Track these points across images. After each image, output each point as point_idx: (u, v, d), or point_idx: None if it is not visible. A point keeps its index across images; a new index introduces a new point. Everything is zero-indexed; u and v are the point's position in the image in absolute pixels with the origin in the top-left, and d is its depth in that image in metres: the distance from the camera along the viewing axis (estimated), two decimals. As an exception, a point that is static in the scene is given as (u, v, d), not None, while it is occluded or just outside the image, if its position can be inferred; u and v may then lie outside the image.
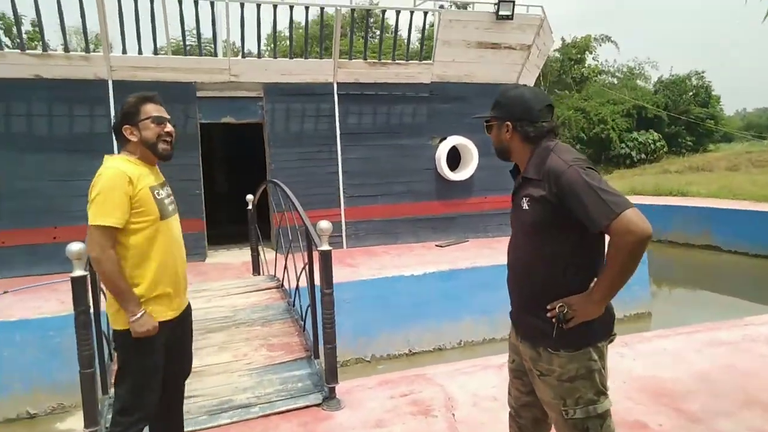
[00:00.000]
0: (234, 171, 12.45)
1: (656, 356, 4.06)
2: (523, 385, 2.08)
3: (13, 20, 6.85)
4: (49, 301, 5.96)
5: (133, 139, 2.29)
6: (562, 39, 33.37)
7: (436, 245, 8.96)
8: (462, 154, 9.50)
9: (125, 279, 2.19)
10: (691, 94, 31.19)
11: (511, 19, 8.92)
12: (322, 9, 8.02)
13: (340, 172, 8.77)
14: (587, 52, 33.64)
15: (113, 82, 7.52)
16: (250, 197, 6.75)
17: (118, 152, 2.36)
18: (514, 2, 8.79)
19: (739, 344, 4.24)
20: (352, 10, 8.11)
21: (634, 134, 27.96)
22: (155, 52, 7.72)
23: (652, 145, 27.58)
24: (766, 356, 4.01)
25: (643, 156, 27.47)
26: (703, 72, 32.19)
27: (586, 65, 33.87)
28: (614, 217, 1.64)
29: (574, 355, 1.84)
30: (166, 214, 2.31)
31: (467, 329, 7.26)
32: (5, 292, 6.40)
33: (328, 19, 8.46)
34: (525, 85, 2.09)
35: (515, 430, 2.18)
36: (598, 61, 35.42)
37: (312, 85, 8.44)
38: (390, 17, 9.13)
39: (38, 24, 6.98)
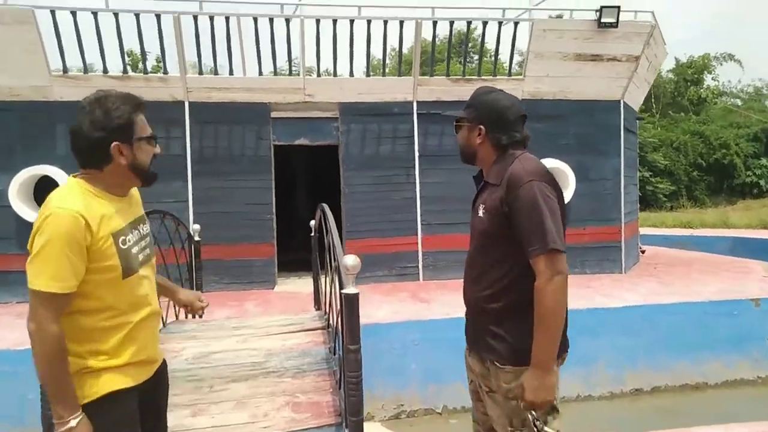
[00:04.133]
0: (316, 196, 12.19)
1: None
2: (485, 406, 2.01)
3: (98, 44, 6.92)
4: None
5: (122, 161, 1.69)
6: (676, 59, 30.88)
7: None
8: (556, 179, 8.48)
9: (66, 368, 1.57)
10: (833, 115, 27.42)
11: (616, 26, 7.90)
12: (401, 23, 7.49)
13: (418, 197, 8.11)
14: (706, 72, 30.80)
15: (189, 103, 7.43)
16: (313, 223, 6.25)
17: (73, 176, 1.74)
18: (619, 8, 7.78)
19: None
20: (434, 23, 7.47)
21: (763, 160, 24.89)
22: (230, 73, 7.55)
23: (784, 174, 24.40)
24: None
25: (772, 185, 24.35)
26: None
27: (704, 86, 31.00)
28: (545, 252, 1.67)
29: (522, 371, 1.77)
30: (131, 268, 1.71)
31: (557, 382, 6.21)
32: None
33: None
34: (501, 91, 2.00)
35: None
36: (718, 81, 32.34)
37: (390, 105, 7.90)
38: (477, 28, 8.48)
39: (120, 47, 7.04)
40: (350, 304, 2.52)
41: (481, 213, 1.90)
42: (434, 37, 7.74)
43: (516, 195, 1.73)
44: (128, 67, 7.49)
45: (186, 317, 5.39)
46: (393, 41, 7.75)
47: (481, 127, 1.93)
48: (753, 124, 26.42)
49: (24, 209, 7.03)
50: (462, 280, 2.07)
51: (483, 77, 8.27)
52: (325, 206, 4.16)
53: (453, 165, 8.16)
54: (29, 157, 7.06)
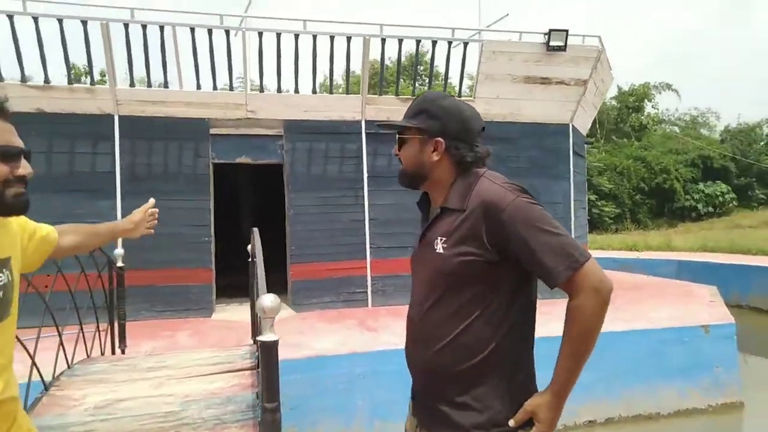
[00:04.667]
0: (262, 217, 11.67)
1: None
2: None
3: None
4: None
5: None
6: (618, 87, 32.08)
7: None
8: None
9: None
10: (763, 143, 28.99)
11: (564, 50, 7.89)
12: (348, 38, 7.23)
13: (366, 219, 7.76)
14: (646, 100, 32.12)
15: (119, 117, 6.88)
16: (249, 247, 5.80)
17: None
18: (567, 31, 7.78)
19: None
20: (383, 40, 7.23)
21: (700, 185, 26.00)
22: (165, 85, 7.06)
23: (720, 198, 25.55)
24: None
25: (710, 209, 25.46)
26: (775, 120, 30.05)
27: (645, 114, 32.31)
28: (578, 267, 1.33)
29: None
30: None
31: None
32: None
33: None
34: (455, 97, 1.62)
35: None
36: (657, 109, 33.81)
37: (337, 123, 7.58)
38: (428, 50, 8.31)
39: (41, 55, 6.45)
40: (267, 353, 2.09)
41: (439, 248, 1.47)
42: (383, 54, 7.50)
43: (505, 219, 1.37)
44: (70, 77, 6.86)
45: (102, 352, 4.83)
46: (341, 58, 7.47)
47: (440, 140, 1.52)
48: (690, 150, 27.62)
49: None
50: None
51: (433, 97, 8.08)
52: (255, 230, 3.75)
53: (402, 186, 7.91)
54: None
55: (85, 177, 6.86)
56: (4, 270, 1.35)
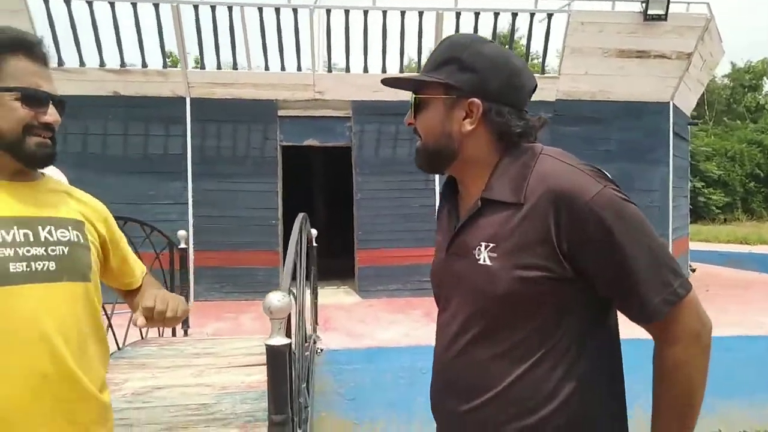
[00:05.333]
0: (335, 201, 11.61)
1: None
2: None
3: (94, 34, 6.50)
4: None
5: None
6: (732, 64, 29.10)
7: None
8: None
9: None
10: None
11: (665, 19, 7.00)
12: (420, 14, 6.79)
13: (437, 205, 7.35)
14: (765, 78, 28.93)
15: (191, 99, 6.93)
16: (314, 232, 5.62)
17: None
18: (668, -1, 6.89)
19: None
20: (457, 14, 6.75)
21: (830, 173, 23.07)
22: (234, 67, 7.03)
23: None
24: None
25: (839, 200, 22.52)
26: None
27: (763, 93, 29.13)
28: (676, 302, 0.94)
29: None
30: None
31: None
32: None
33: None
34: (498, 45, 1.12)
35: None
36: (779, 87, 30.37)
37: (408, 103, 7.17)
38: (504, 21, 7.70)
39: (116, 40, 6.60)
40: (275, 359, 1.81)
41: (485, 259, 1.03)
42: (457, 29, 7.01)
43: (587, 216, 0.95)
44: (144, 61, 7.01)
45: (161, 334, 4.84)
46: (412, 35, 7.06)
47: (476, 101, 1.06)
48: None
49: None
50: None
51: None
52: (300, 216, 3.50)
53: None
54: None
55: (158, 159, 7.00)
56: (70, 228, 1.23)
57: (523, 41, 8.10)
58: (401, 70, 7.31)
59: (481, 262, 1.03)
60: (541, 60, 7.88)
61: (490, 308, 1.03)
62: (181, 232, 5.43)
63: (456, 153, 1.10)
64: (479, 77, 1.06)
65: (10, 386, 1.08)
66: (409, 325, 6.01)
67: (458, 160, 1.11)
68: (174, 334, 5.02)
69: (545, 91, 7.31)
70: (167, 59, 7.12)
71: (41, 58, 1.18)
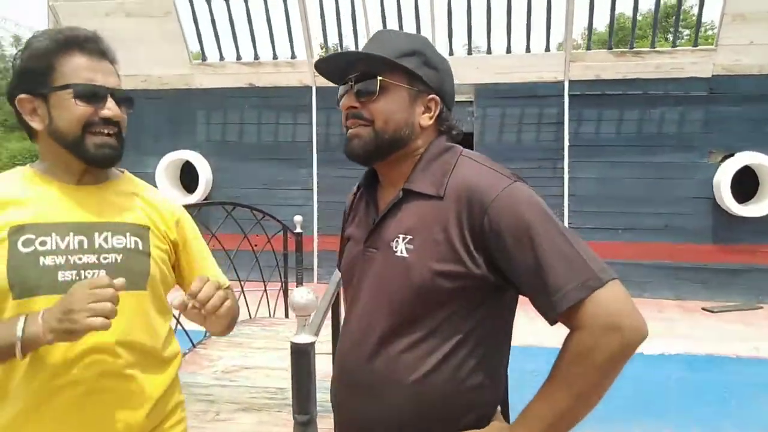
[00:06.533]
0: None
1: None
2: None
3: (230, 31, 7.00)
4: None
5: (36, 125, 1.14)
6: None
7: (703, 309, 6.26)
8: (760, 179, 6.53)
9: None
10: None
11: None
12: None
13: (566, 195, 6.83)
14: None
15: (316, 88, 7.17)
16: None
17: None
18: None
19: None
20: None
21: None
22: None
23: None
24: None
25: None
26: None
27: None
28: (597, 287, 0.92)
29: None
30: (30, 285, 1.07)
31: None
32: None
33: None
34: None
35: None
36: None
37: (534, 85, 6.74)
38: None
39: (250, 33, 7.03)
40: (299, 357, 1.74)
41: (402, 251, 1.03)
42: (592, 2, 6.38)
43: (498, 210, 0.96)
44: (275, 53, 7.43)
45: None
46: (541, 11, 6.58)
47: (436, 97, 1.09)
48: None
49: (170, 191, 7.41)
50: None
51: (658, 49, 6.64)
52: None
53: (612, 157, 6.77)
54: (174, 142, 7.43)
55: (287, 146, 7.35)
56: (128, 234, 1.18)
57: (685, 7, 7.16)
58: (528, 50, 6.85)
59: (398, 254, 1.04)
60: (694, 29, 6.90)
61: (405, 300, 1.02)
62: (297, 217, 5.64)
63: (406, 145, 1.09)
64: (440, 76, 1.09)
65: (58, 398, 1.07)
66: (539, 325, 5.66)
67: (399, 153, 1.09)
68: (287, 315, 5.24)
69: (699, 66, 6.39)
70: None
71: (96, 53, 1.15)
